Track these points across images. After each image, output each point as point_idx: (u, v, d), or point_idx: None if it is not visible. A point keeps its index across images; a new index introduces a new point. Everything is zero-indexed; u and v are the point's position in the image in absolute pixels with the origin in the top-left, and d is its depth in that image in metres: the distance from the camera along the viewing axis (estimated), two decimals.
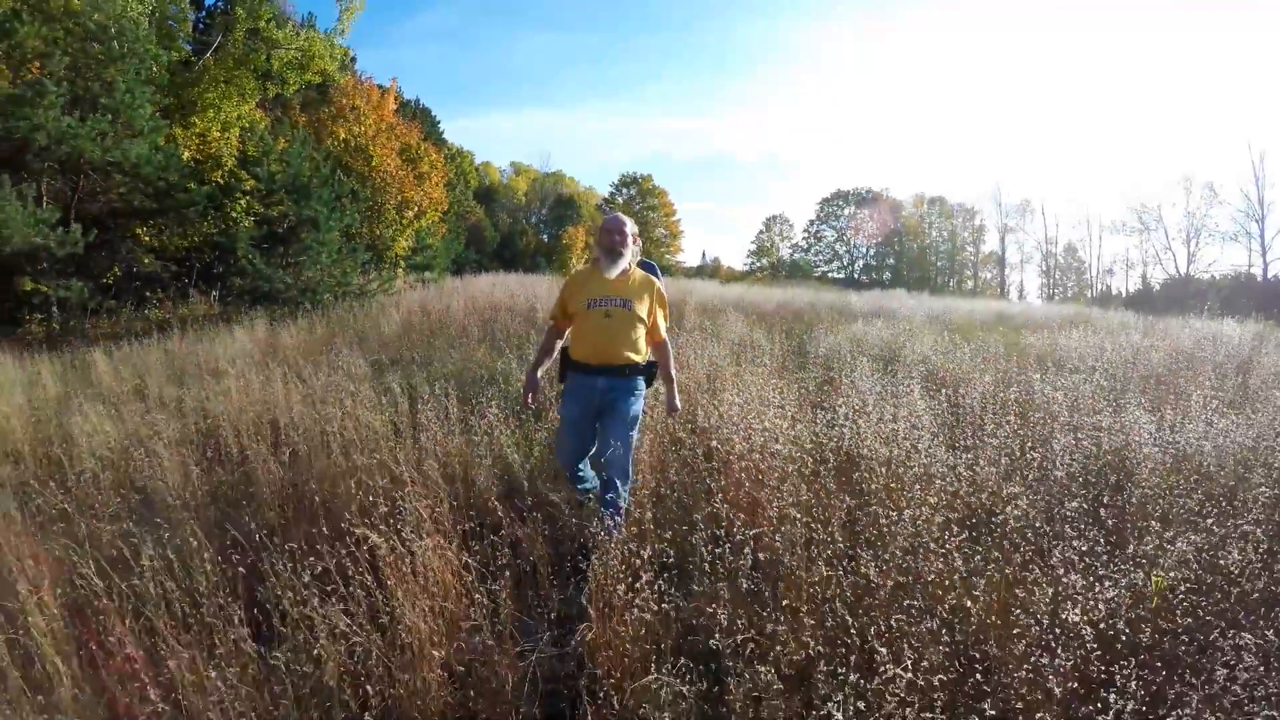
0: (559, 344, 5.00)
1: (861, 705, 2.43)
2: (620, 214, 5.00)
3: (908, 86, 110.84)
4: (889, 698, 2.38)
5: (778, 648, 2.74)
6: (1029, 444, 4.87)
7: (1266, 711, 2.49)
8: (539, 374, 4.97)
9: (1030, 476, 4.36)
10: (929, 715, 2.38)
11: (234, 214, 19.30)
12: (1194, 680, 2.52)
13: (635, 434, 4.78)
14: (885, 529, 3.53)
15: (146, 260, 18.25)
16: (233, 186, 19.41)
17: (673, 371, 4.97)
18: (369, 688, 2.88)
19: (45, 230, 14.84)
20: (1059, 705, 2.45)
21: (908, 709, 2.37)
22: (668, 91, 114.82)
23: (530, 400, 4.97)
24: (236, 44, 22.37)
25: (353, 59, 30.01)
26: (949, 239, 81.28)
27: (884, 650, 2.58)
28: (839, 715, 2.37)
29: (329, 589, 3.18)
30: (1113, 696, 2.36)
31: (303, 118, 27.75)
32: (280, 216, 18.11)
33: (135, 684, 2.84)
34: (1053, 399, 6.00)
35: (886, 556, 3.30)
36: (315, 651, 2.94)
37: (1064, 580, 2.92)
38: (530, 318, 13.29)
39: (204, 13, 24.27)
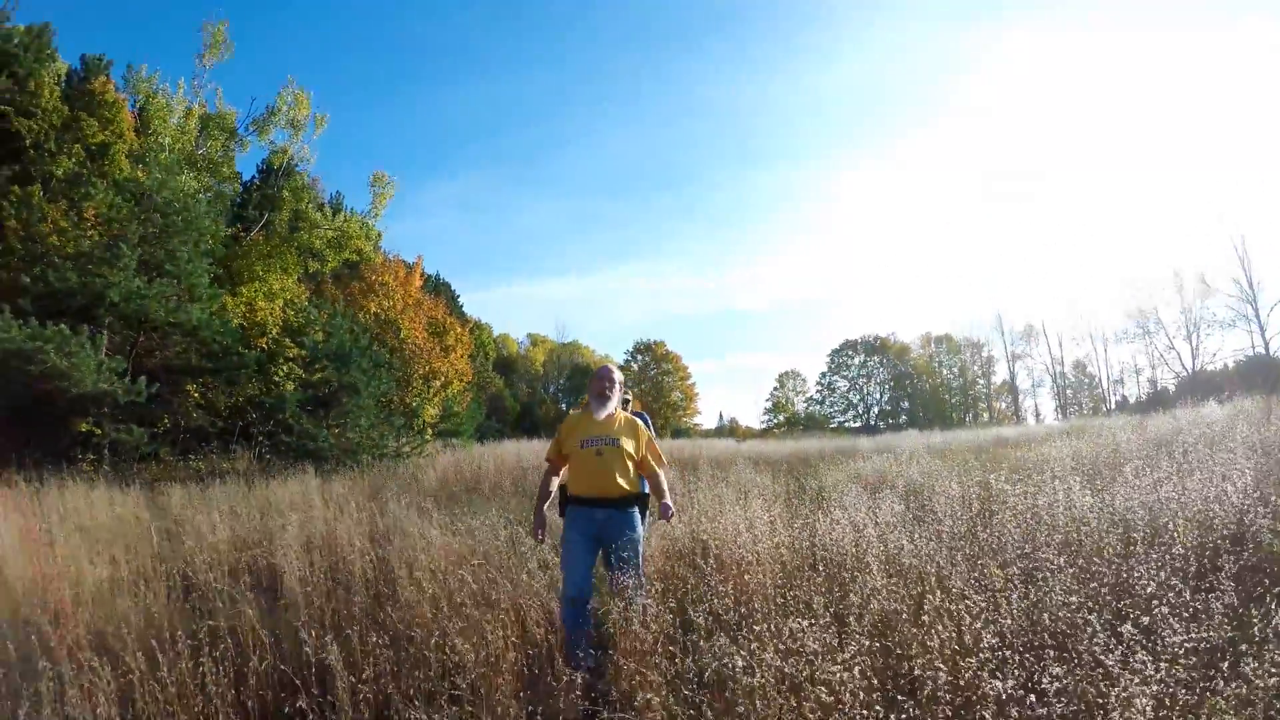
0: (556, 481, 5.60)
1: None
2: (609, 364, 5.88)
3: (904, 228, 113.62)
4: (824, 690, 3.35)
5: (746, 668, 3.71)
6: (976, 524, 5.96)
7: None
8: (544, 511, 5.53)
9: (968, 547, 5.35)
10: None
11: (276, 377, 20.77)
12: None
13: (638, 555, 5.24)
14: (847, 588, 4.56)
15: (194, 414, 19.56)
16: (276, 352, 21.01)
17: (664, 487, 5.46)
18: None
19: (113, 378, 16.34)
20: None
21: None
22: (678, 250, 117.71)
23: (540, 536, 5.54)
24: (282, 224, 24.82)
25: (380, 236, 32.21)
26: (959, 374, 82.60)
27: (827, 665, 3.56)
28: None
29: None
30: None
31: (336, 291, 29.77)
32: (322, 382, 19.61)
33: None
34: (1005, 491, 7.04)
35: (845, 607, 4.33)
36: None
37: (966, 600, 3.91)
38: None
39: (243, 189, 26.80)
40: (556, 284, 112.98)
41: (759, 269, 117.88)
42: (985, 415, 75.09)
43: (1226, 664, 3.00)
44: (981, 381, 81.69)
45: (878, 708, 3.04)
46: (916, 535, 5.48)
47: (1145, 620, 3.43)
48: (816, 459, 16.34)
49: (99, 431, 17.00)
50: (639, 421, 5.72)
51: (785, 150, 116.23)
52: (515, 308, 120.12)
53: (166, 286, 17.83)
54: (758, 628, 3.72)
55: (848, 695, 3.08)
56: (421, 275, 35.42)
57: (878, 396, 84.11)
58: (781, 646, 3.52)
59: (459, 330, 33.93)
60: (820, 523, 6.14)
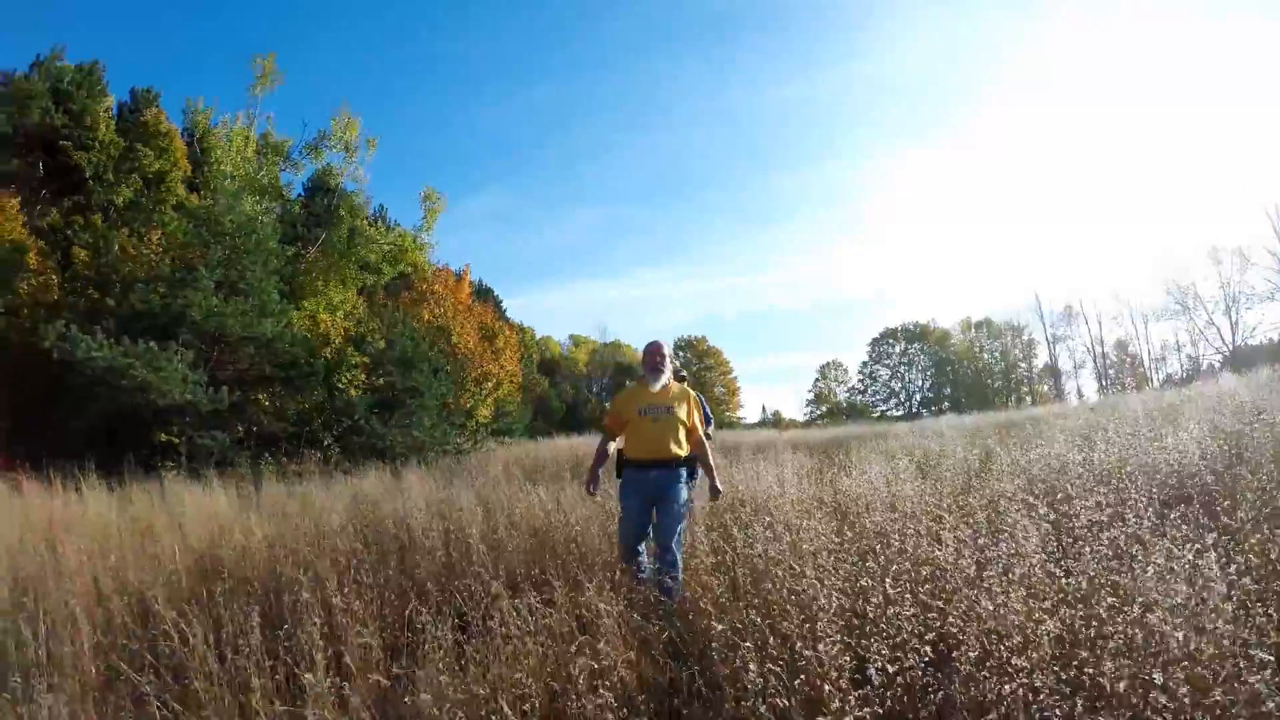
0: (612, 446, 6.27)
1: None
2: (658, 339, 6.33)
3: (936, 213, 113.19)
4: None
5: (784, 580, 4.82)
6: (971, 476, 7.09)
7: None
8: (598, 472, 6.19)
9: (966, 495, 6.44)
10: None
11: (341, 384, 22.15)
12: None
13: (684, 514, 5.86)
14: (855, 523, 5.63)
15: (265, 421, 20.94)
16: (340, 361, 22.43)
17: (712, 462, 6.09)
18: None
19: (197, 390, 17.85)
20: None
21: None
22: (717, 252, 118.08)
23: (593, 490, 6.20)
24: (341, 240, 26.37)
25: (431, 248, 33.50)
26: (1001, 358, 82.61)
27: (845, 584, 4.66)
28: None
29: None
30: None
31: (389, 301, 31.30)
32: (387, 386, 21.14)
33: None
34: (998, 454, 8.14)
35: (859, 531, 5.40)
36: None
37: (942, 519, 4.98)
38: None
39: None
40: (597, 287, 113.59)
41: (798, 268, 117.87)
42: (1028, 398, 74.64)
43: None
44: (1023, 364, 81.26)
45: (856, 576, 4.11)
46: (919, 487, 6.58)
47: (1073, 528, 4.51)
48: (852, 442, 17.32)
49: (177, 440, 18.27)
50: (690, 391, 6.34)
51: (820, 148, 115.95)
52: (556, 311, 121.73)
53: (241, 304, 19.25)
54: (778, 528, 4.87)
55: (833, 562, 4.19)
56: (470, 283, 37.06)
57: (920, 384, 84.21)
58: (791, 538, 4.66)
59: (508, 333, 35.53)
60: (841, 481, 7.25)
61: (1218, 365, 47.75)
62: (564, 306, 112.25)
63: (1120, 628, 2.78)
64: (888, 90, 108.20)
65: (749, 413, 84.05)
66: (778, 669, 2.94)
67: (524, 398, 45.07)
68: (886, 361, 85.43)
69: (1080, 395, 67.13)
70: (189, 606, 4.53)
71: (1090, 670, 2.59)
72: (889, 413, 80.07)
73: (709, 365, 77.59)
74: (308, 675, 3.36)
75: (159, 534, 7.53)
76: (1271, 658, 2.54)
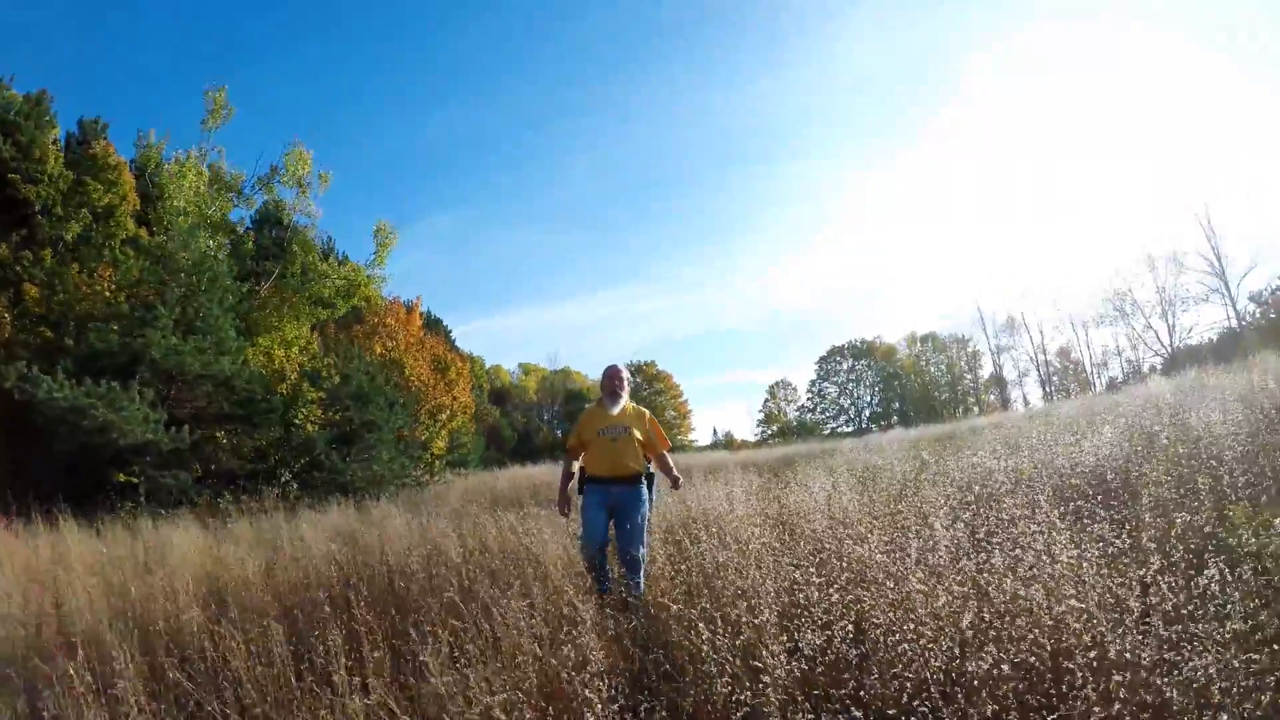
0: (576, 465, 6.76)
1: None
2: (617, 365, 6.93)
3: (879, 230, 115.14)
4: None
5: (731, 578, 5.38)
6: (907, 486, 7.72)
7: None
8: (566, 493, 6.68)
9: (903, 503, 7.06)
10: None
11: (297, 420, 22.35)
12: None
13: (645, 525, 6.32)
14: (803, 535, 6.20)
15: (223, 458, 21.08)
16: (296, 396, 22.66)
17: (671, 466, 6.77)
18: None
19: (158, 429, 18.01)
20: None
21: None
22: (663, 273, 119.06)
23: (565, 511, 6.71)
24: (295, 276, 26.62)
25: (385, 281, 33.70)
26: (947, 370, 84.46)
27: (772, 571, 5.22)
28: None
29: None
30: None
31: (342, 335, 31.54)
32: (345, 420, 21.46)
33: None
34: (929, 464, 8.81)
35: (798, 537, 5.96)
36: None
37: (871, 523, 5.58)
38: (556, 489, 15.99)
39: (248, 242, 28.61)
40: (543, 312, 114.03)
41: (747, 287, 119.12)
42: (975, 408, 76.07)
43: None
44: (969, 376, 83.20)
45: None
46: (855, 498, 7.18)
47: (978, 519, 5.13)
48: (800, 459, 17.93)
49: (136, 479, 18.36)
50: (645, 411, 6.87)
51: (767, 168, 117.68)
52: (503, 338, 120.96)
53: (199, 342, 19.45)
54: (727, 538, 5.44)
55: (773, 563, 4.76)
56: (420, 314, 37.38)
57: (868, 399, 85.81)
58: (737, 546, 5.24)
59: (460, 365, 35.90)
60: (785, 497, 7.85)
61: (1158, 367, 49.06)
62: (511, 333, 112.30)
63: (1003, 599, 3.36)
64: (823, 112, 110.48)
65: (700, 435, 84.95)
66: (725, 639, 3.51)
67: (477, 428, 45.38)
68: (835, 379, 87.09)
69: (1026, 403, 68.84)
70: (218, 627, 5.01)
71: (973, 632, 3.16)
72: (839, 429, 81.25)
73: (659, 390, 78.33)
74: (338, 674, 3.82)
75: (155, 568, 7.89)
76: (1116, 615, 3.12)
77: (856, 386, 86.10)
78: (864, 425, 79.17)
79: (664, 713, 3.33)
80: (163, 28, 78.96)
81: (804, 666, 3.30)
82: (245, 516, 14.29)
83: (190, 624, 5.61)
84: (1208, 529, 4.37)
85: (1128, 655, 2.77)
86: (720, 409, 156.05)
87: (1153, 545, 3.67)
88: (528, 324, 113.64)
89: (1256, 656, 2.71)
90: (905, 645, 3.18)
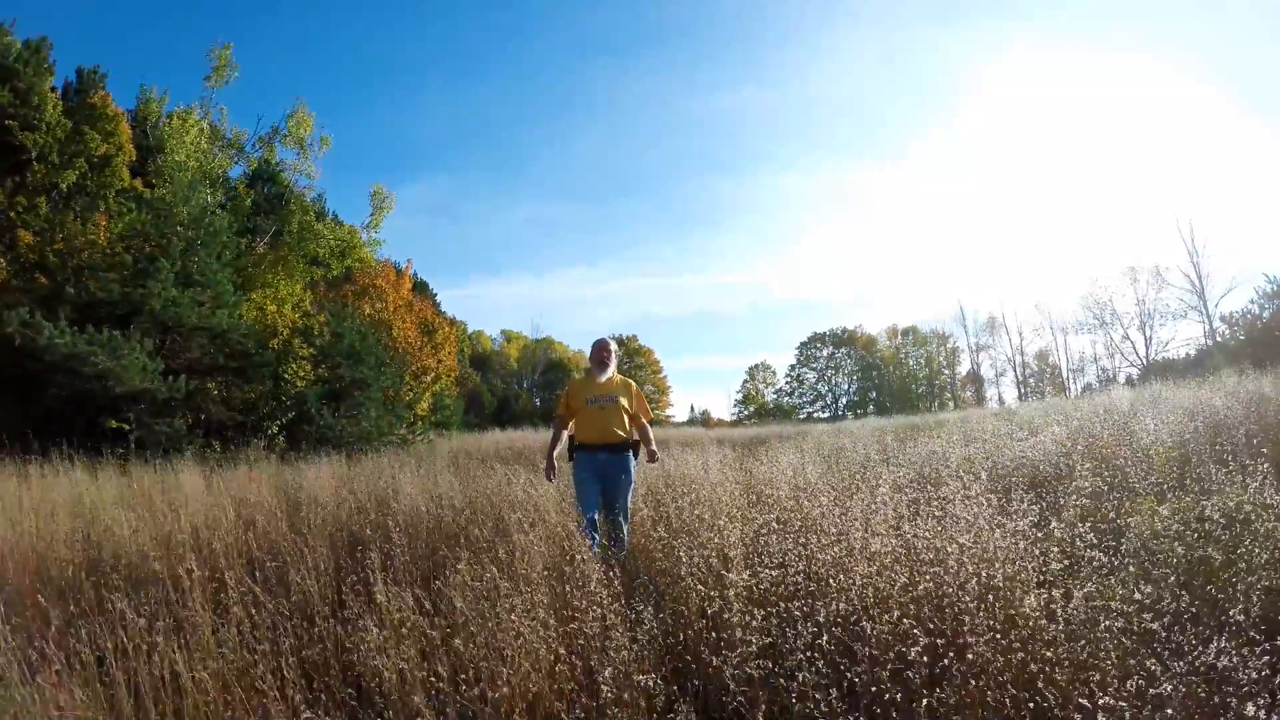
0: (565, 433, 7.11)
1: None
2: (605, 337, 7.26)
3: (869, 222, 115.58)
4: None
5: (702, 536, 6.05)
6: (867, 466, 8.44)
7: None
8: (554, 456, 7.06)
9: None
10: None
11: (286, 375, 22.91)
12: None
13: (631, 489, 6.80)
14: (768, 500, 6.87)
15: (213, 409, 21.61)
16: (287, 351, 23.24)
17: (650, 438, 6.97)
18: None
19: (155, 378, 18.60)
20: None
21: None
22: (651, 253, 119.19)
23: (551, 476, 7.11)
24: (291, 234, 27.11)
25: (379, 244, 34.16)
26: (926, 364, 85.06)
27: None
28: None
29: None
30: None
31: (332, 294, 32.03)
32: (336, 377, 22.10)
33: None
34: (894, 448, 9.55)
35: (774, 510, 6.65)
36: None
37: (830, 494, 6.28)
38: (538, 453, 16.58)
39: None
40: (530, 283, 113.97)
41: (732, 272, 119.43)
42: (951, 403, 77.12)
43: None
44: (947, 371, 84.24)
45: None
46: (819, 472, 7.88)
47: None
48: (774, 439, 18.64)
49: (127, 427, 18.86)
50: (632, 382, 7.26)
51: (759, 157, 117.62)
52: (488, 304, 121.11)
53: (197, 294, 20.00)
54: (701, 495, 6.14)
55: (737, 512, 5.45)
56: (410, 278, 37.95)
57: (846, 387, 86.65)
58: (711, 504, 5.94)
59: (446, 329, 36.54)
60: (756, 469, 8.54)
61: (1134, 377, 49.80)
62: (496, 300, 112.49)
63: (924, 548, 4.05)
64: (826, 102, 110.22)
65: (678, 412, 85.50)
66: (700, 562, 4.25)
67: (458, 392, 46.00)
68: (814, 365, 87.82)
69: (1001, 402, 69.68)
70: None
71: (904, 578, 3.85)
72: (815, 415, 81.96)
73: (639, 364, 78.88)
74: (378, 586, 4.46)
75: (179, 506, 8.49)
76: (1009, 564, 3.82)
77: (835, 374, 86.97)
78: (840, 412, 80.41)
79: (652, 612, 3.98)
80: None
81: (762, 587, 3.98)
82: (241, 464, 14.75)
83: (239, 544, 6.28)
84: (1109, 513, 5.11)
85: (1003, 587, 3.47)
86: (699, 390, 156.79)
87: (1054, 519, 4.40)
88: (512, 292, 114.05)
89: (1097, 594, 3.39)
90: (842, 576, 3.88)
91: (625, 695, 3.24)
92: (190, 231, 21.25)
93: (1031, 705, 2.91)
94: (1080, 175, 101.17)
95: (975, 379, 79.80)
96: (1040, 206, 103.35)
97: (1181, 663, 2.92)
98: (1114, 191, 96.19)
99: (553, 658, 3.52)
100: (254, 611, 4.36)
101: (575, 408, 7.04)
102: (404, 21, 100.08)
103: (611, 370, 7.18)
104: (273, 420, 22.44)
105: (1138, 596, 3.37)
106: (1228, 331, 47.22)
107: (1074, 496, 5.64)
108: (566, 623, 3.85)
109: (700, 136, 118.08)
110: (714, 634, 3.74)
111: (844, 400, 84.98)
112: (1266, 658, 2.94)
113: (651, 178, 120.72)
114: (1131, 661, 3.00)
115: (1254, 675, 2.76)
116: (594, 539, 6.18)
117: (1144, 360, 56.07)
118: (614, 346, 7.34)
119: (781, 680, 3.18)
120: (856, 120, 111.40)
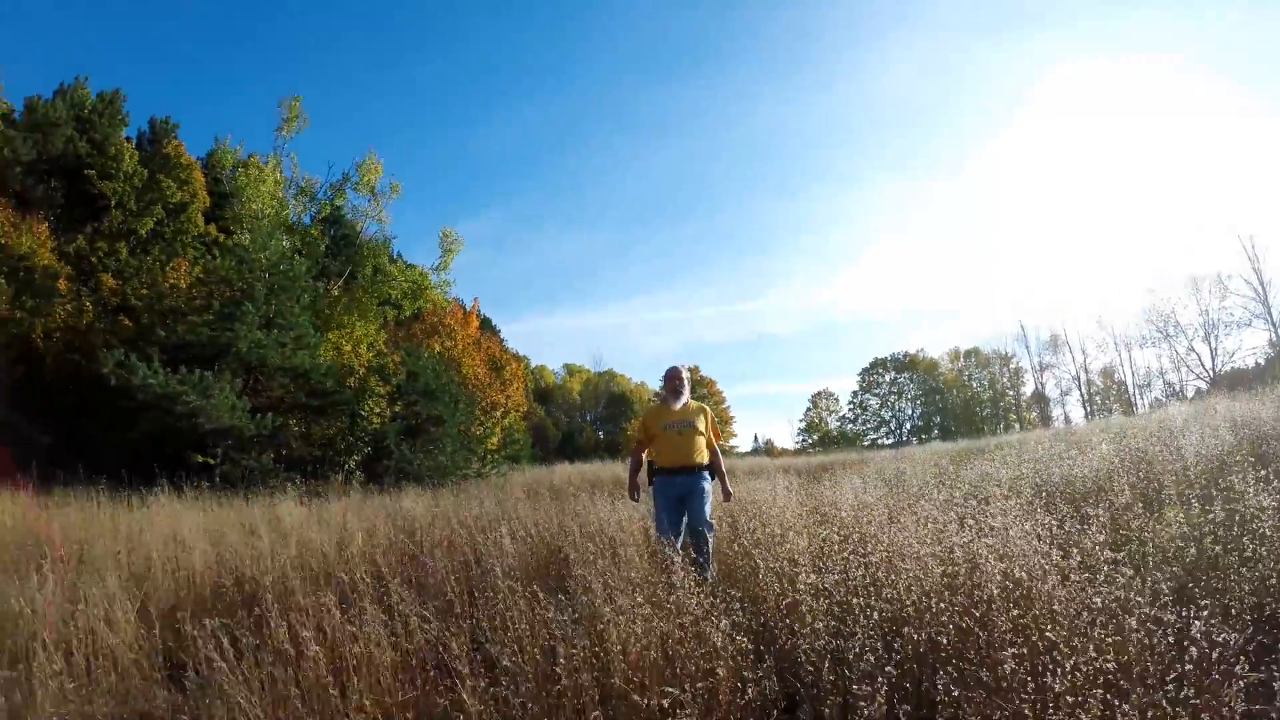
0: (643, 458, 7.39)
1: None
2: (678, 364, 7.47)
3: (927, 241, 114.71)
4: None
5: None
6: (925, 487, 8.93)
7: None
8: (636, 481, 7.38)
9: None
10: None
11: (363, 412, 23.82)
12: None
13: (709, 508, 6.86)
14: (831, 519, 7.39)
15: (294, 444, 22.52)
16: (364, 389, 24.19)
17: (723, 468, 7.21)
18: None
19: (243, 415, 19.56)
20: None
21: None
22: (708, 278, 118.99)
23: (636, 497, 7.49)
24: (365, 277, 28.30)
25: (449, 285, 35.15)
26: (989, 386, 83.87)
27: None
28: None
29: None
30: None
31: (401, 333, 33.16)
32: (413, 414, 23.06)
33: None
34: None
35: (837, 526, 7.15)
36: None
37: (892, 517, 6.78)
38: (612, 484, 17.19)
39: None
40: (589, 314, 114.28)
41: (790, 296, 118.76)
42: (1016, 424, 76.19)
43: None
44: (1011, 393, 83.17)
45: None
46: (879, 494, 8.39)
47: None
48: (837, 466, 19.07)
49: (213, 461, 19.73)
50: (706, 408, 7.43)
51: (812, 175, 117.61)
52: (549, 339, 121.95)
53: (280, 336, 21.00)
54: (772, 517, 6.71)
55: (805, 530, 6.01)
56: (477, 316, 39.06)
57: (909, 412, 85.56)
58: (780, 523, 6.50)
59: (514, 366, 37.56)
60: (820, 493, 9.07)
61: (1203, 389, 48.96)
62: (555, 332, 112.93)
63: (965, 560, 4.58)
64: (879, 118, 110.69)
65: (741, 441, 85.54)
66: (775, 566, 4.86)
67: (525, 426, 46.89)
68: (876, 391, 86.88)
69: (1067, 420, 68.31)
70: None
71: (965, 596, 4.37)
72: (879, 441, 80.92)
73: (702, 395, 78.65)
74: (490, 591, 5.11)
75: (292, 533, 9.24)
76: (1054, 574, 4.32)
77: (898, 399, 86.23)
78: (904, 438, 79.54)
79: (739, 602, 4.56)
80: (222, 28, 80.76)
81: (825, 585, 4.54)
82: (330, 497, 15.46)
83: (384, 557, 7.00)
84: (1135, 523, 5.59)
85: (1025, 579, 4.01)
86: (759, 417, 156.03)
87: (1084, 530, 4.94)
88: (570, 325, 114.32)
89: (1117, 593, 3.88)
90: (892, 575, 4.43)
91: (724, 658, 3.83)
92: (270, 276, 22.29)
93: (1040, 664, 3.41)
94: (1133, 186, 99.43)
95: (1040, 399, 78.48)
96: (1096, 219, 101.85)
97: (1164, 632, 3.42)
98: (1170, 201, 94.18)
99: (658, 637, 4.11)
100: (415, 606, 5.06)
101: (653, 434, 7.26)
102: (454, 54, 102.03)
103: (686, 396, 7.37)
104: (349, 455, 23.23)
105: (1122, 580, 3.89)
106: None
107: (1100, 508, 6.10)
108: (663, 611, 4.42)
109: (754, 157, 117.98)
110: (787, 620, 4.30)
111: (908, 425, 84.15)
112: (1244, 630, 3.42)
113: (705, 201, 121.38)
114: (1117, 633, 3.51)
115: (1228, 640, 3.26)
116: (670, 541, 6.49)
117: (1210, 372, 54.63)
118: (686, 373, 7.53)
119: (843, 654, 3.73)
120: (909, 134, 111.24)
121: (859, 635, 3.73)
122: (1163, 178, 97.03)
